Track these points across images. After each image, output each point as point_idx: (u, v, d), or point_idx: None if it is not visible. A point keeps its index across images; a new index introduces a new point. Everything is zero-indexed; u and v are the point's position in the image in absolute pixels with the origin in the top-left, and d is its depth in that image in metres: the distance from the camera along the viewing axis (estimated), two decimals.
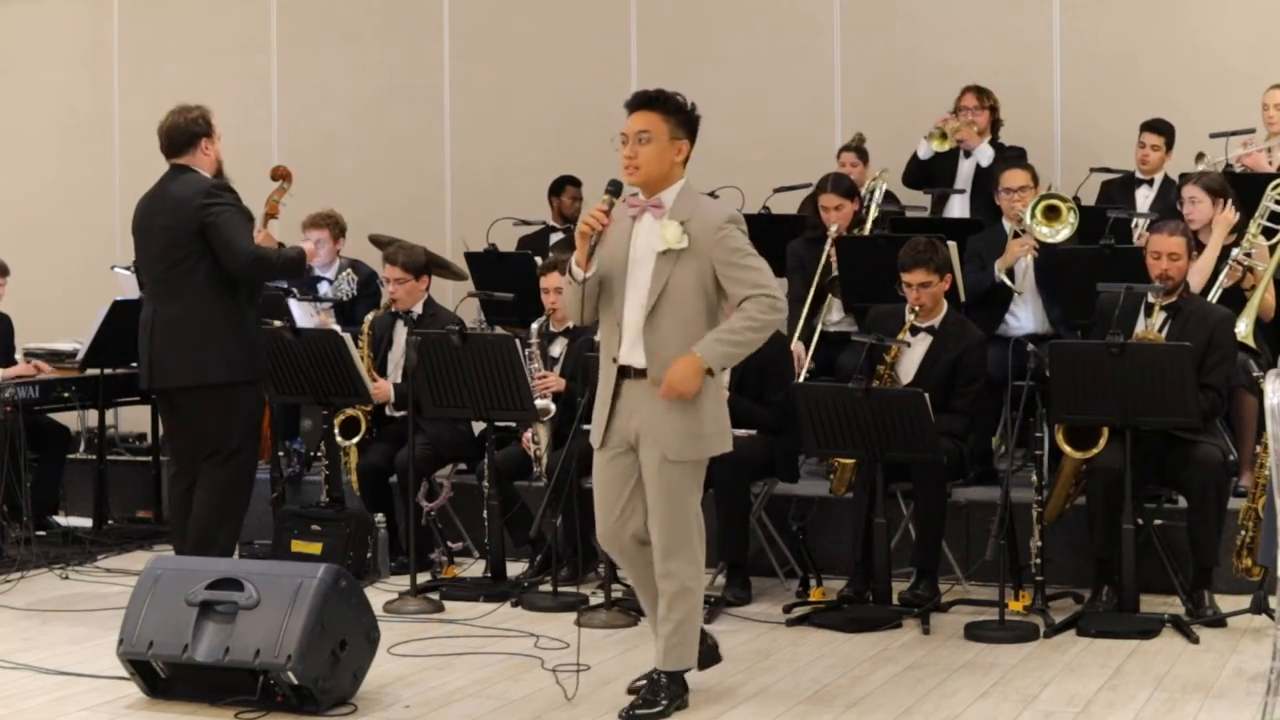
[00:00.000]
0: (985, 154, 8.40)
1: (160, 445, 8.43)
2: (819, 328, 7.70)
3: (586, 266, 4.93)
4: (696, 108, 4.97)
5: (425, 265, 7.61)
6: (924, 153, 8.55)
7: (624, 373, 4.96)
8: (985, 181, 8.19)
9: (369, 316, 7.64)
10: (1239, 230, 7.02)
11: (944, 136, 8.41)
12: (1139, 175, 8.23)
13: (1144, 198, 8.17)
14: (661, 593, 5.01)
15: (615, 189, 4.96)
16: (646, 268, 4.92)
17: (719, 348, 4.82)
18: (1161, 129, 8.25)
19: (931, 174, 8.57)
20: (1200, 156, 7.85)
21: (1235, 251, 6.84)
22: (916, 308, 6.59)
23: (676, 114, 4.92)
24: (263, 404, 6.68)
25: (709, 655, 5.30)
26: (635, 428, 4.95)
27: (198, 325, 6.19)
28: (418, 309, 7.50)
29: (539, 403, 6.93)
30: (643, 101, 4.94)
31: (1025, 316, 7.45)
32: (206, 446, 6.28)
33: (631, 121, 4.93)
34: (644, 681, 5.12)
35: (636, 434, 4.95)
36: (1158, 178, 8.20)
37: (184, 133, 6.33)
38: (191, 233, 6.18)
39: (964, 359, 6.58)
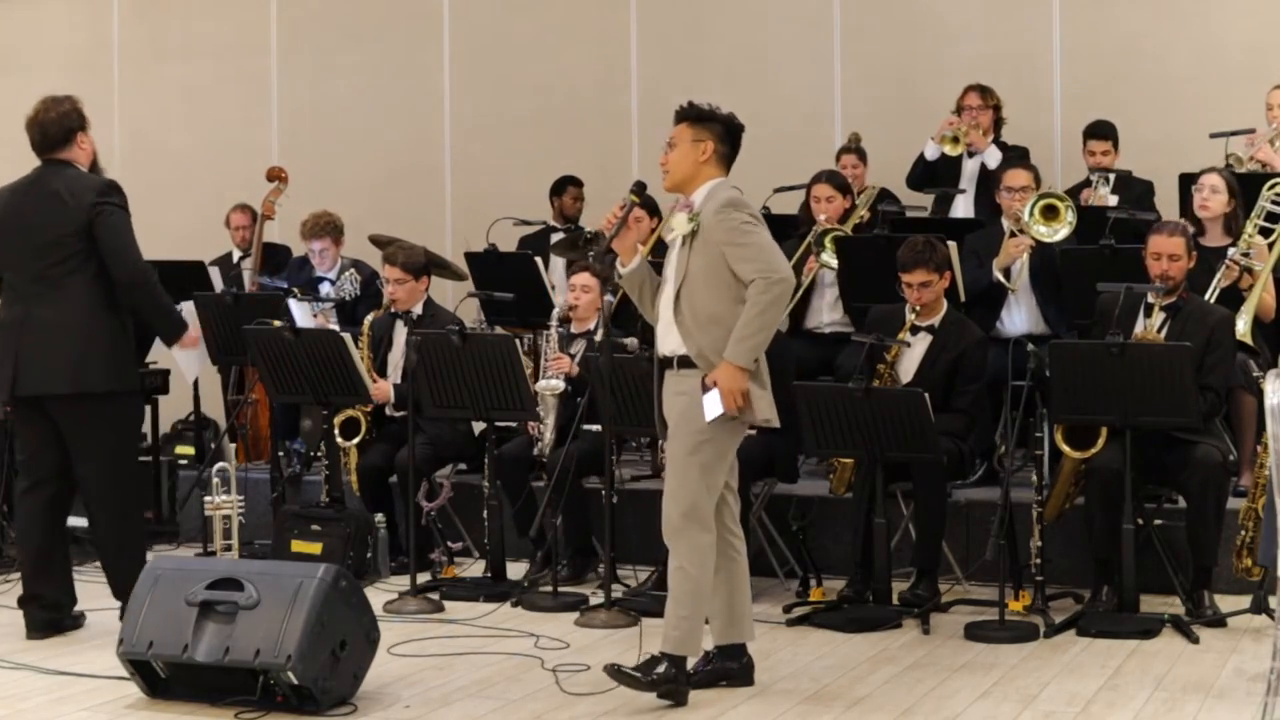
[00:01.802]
0: (993, 156, 8.38)
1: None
2: (803, 329, 7.75)
3: (625, 262, 5.24)
4: (734, 117, 5.25)
5: (425, 265, 7.60)
6: (931, 154, 8.55)
7: (660, 364, 5.21)
8: (989, 181, 8.17)
9: (369, 317, 7.63)
10: (1237, 230, 7.01)
11: (955, 141, 8.41)
12: (1093, 178, 8.24)
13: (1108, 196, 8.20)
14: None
15: (637, 188, 5.28)
16: (673, 259, 5.18)
17: (742, 346, 5.01)
18: (1105, 132, 8.30)
19: (935, 174, 8.57)
20: (1229, 156, 7.84)
21: (1233, 251, 6.83)
22: (918, 307, 6.60)
23: (699, 120, 5.22)
24: (142, 415, 6.41)
25: (742, 674, 5.36)
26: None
27: (80, 329, 5.85)
28: (418, 309, 7.49)
29: (550, 382, 7.00)
30: (675, 116, 5.25)
31: (1018, 318, 7.43)
32: (82, 461, 5.94)
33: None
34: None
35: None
36: (1112, 176, 8.24)
37: (59, 128, 6.05)
38: (78, 231, 5.88)
39: (964, 358, 6.58)
